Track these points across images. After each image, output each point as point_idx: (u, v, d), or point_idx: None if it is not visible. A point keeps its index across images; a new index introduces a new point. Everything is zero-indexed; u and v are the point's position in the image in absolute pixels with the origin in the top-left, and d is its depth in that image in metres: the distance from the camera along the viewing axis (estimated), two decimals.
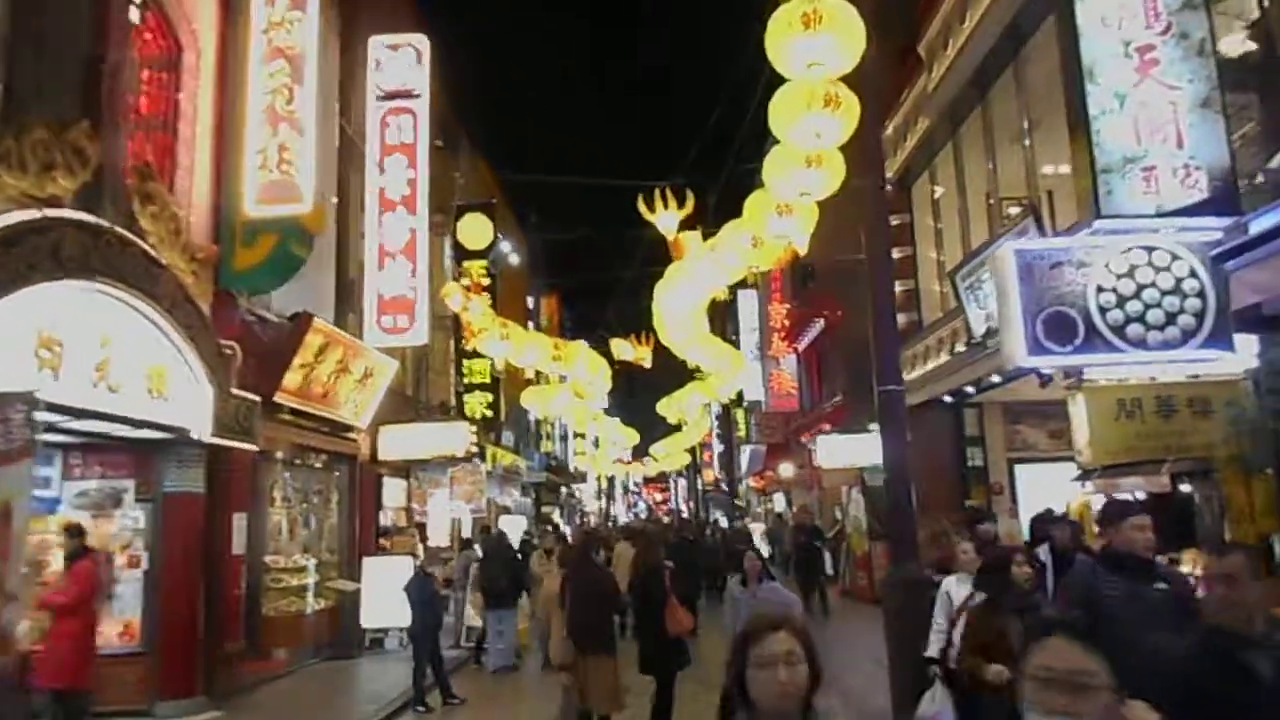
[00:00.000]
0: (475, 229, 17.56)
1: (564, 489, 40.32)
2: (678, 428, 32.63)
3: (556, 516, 34.77)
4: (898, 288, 17.67)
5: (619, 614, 7.33)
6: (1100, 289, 6.55)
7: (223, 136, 8.97)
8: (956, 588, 5.19)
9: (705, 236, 8.36)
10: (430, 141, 15.34)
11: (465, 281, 10.35)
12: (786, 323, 22.67)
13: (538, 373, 18.62)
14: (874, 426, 18.21)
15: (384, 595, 12.55)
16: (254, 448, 8.79)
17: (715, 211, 8.84)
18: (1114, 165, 6.39)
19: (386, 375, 12.88)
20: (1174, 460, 6.84)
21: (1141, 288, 6.45)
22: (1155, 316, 6.37)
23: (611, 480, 53.98)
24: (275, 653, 11.27)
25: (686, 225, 8.12)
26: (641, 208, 7.62)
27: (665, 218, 7.58)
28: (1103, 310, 6.53)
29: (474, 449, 13.52)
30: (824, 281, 20.23)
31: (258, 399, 8.84)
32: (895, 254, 17.71)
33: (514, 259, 22.04)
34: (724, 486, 42.67)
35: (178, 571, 8.40)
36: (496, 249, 19.31)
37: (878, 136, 7.55)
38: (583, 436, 40.82)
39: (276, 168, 8.77)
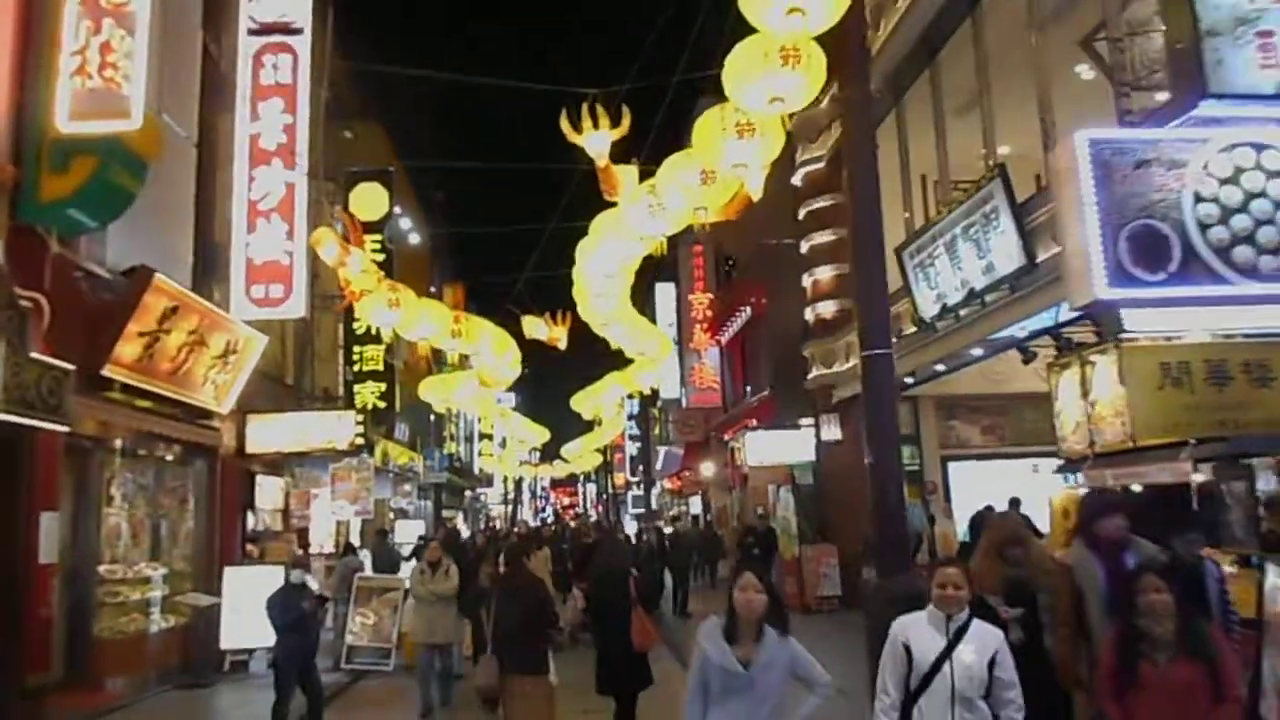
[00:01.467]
0: (369, 199, 15.71)
1: (467, 492, 38.29)
2: (589, 427, 31.15)
3: (460, 521, 32.78)
4: (829, 272, 16.65)
5: (551, 627, 6.26)
6: (1199, 198, 5.19)
7: (27, 30, 7.03)
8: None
9: (641, 178, 6.90)
10: (318, 97, 13.49)
11: (342, 231, 8.64)
12: (709, 313, 21.43)
13: (435, 358, 16.86)
14: (805, 422, 17.12)
15: (249, 610, 10.66)
16: (63, 428, 6.88)
17: (652, 149, 7.35)
18: (1222, 26, 4.95)
19: (254, 352, 10.97)
20: (1197, 444, 5.71)
21: (1250, 197, 5.12)
22: (1268, 236, 5.06)
23: (519, 483, 52.02)
24: (109, 682, 9.30)
25: (619, 159, 6.65)
26: (565, 127, 6.11)
27: (595, 138, 6.07)
28: (1203, 226, 5.16)
29: (360, 441, 11.71)
30: (749, 271, 19.05)
31: (71, 368, 6.94)
32: (827, 236, 16.68)
33: (414, 238, 20.14)
34: (636, 489, 41.31)
35: None
36: (393, 225, 17.45)
37: (861, 37, 6.20)
38: (489, 438, 38.89)
39: (98, 73, 6.89)
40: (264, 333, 12.78)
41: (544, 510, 74.64)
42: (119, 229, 9.14)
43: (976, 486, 15.50)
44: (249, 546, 12.09)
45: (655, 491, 36.89)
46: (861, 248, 5.70)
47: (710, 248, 22.60)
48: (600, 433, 25.25)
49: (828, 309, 16.10)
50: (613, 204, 7.20)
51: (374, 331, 16.46)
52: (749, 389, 19.90)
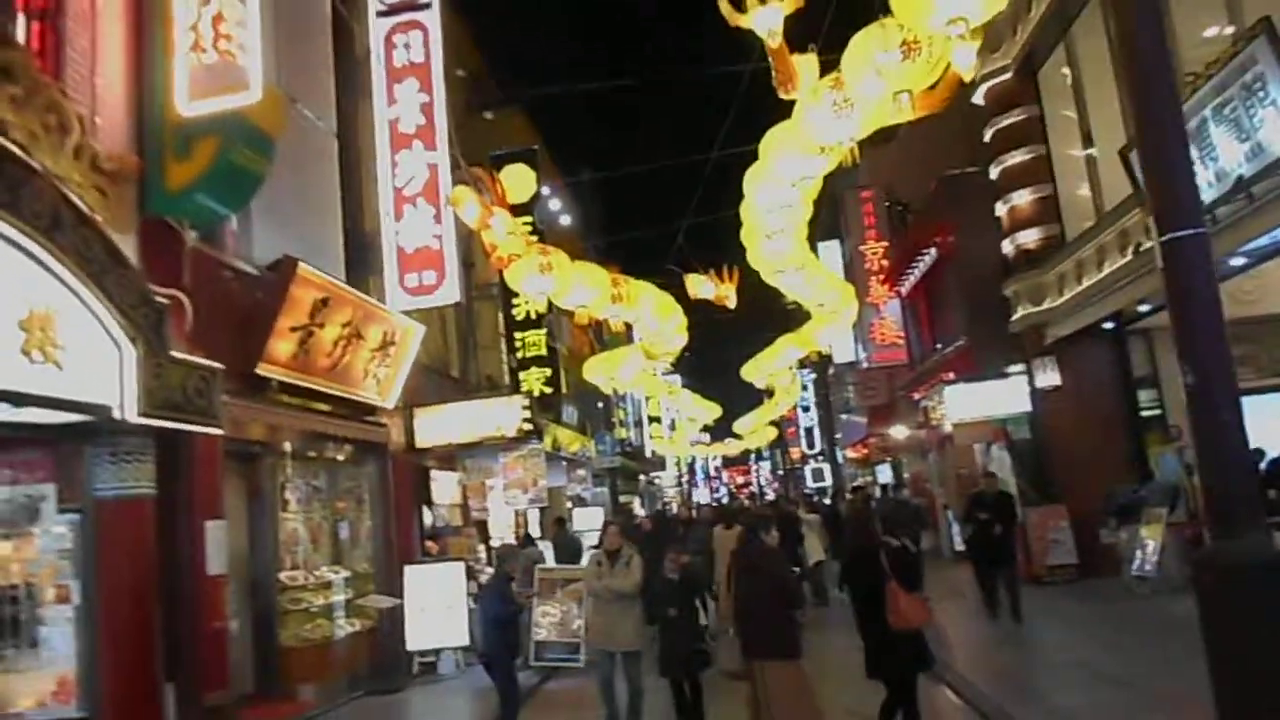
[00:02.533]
0: (516, 180, 15.04)
1: (641, 476, 37.87)
2: (759, 400, 29.86)
3: (637, 506, 32.35)
4: (1028, 195, 14.60)
5: (794, 606, 5.89)
6: None
7: (139, 12, 6.58)
8: None
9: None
10: (453, 75, 12.95)
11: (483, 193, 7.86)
12: (884, 263, 19.62)
13: (598, 337, 16.11)
14: (1013, 369, 15.19)
15: (432, 610, 10.25)
16: (215, 430, 6.41)
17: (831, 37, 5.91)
18: None
19: (413, 343, 10.48)
20: None
21: None
22: None
23: (691, 464, 51.42)
24: (300, 691, 9.01)
25: (793, 50, 5.38)
26: (725, 7, 4.92)
27: (763, 14, 4.80)
28: None
29: (528, 427, 11.04)
30: (930, 209, 17.15)
31: (218, 367, 6.46)
32: (1021, 155, 14.63)
33: (565, 219, 19.53)
34: (815, 461, 39.61)
35: (123, 602, 6.09)
36: (543, 206, 16.84)
37: None
38: (658, 420, 38.33)
39: (212, 46, 6.35)
40: (423, 324, 12.39)
41: (718, 490, 73.87)
42: (265, 225, 8.81)
43: None
44: (428, 544, 11.71)
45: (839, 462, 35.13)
46: (1147, 102, 4.15)
47: (879, 194, 20.77)
48: (774, 403, 23.91)
49: (1030, 238, 14.13)
50: (786, 113, 5.97)
51: (534, 316, 16.02)
52: (939, 341, 18.03)
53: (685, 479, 52.22)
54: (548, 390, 15.21)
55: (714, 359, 42.43)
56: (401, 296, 10.90)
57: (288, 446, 9.40)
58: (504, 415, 11.34)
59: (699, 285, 9.91)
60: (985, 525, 10.13)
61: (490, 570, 13.00)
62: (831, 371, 28.82)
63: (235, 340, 7.68)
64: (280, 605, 9.04)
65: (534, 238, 14.91)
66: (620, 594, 6.94)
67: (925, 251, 16.70)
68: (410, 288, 10.94)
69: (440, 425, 11.46)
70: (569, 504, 21.57)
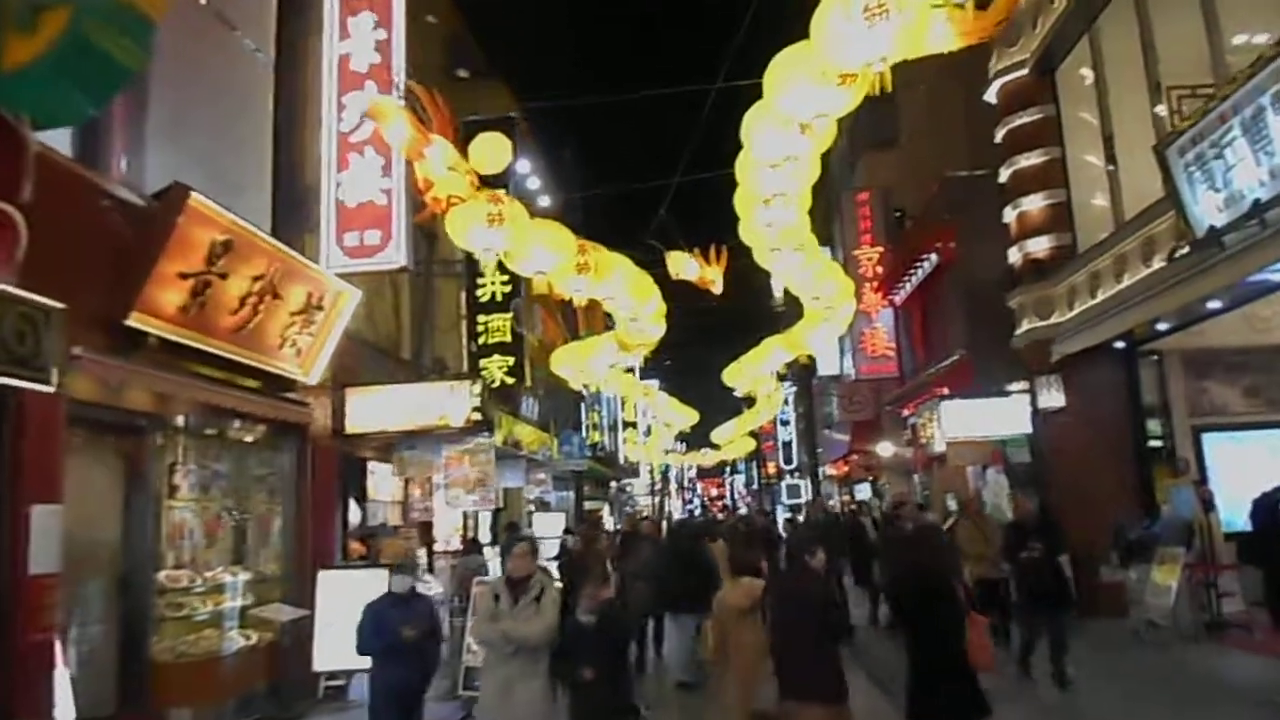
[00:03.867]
0: (489, 150, 13.66)
1: (613, 483, 36.47)
2: (738, 411, 28.58)
3: (606, 514, 30.92)
4: (1040, 201, 13.42)
5: (838, 638, 5.11)
6: None
7: None
8: None
9: None
10: (420, 18, 11.56)
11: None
12: (880, 269, 18.40)
13: (571, 330, 14.71)
14: (1013, 387, 13.96)
15: (346, 624, 8.76)
16: (44, 388, 4.96)
17: None
18: None
19: (346, 308, 9.07)
20: None
21: None
22: None
23: (666, 472, 49.99)
24: (173, 714, 7.55)
25: None
26: None
27: None
28: None
29: (478, 417, 9.65)
30: (932, 211, 15.92)
31: (57, 306, 5.01)
32: (1035, 158, 13.43)
33: (544, 201, 18.12)
34: (791, 477, 38.37)
35: None
36: (520, 186, 15.46)
37: None
38: (634, 426, 36.96)
39: None
40: (374, 301, 10.99)
41: (691, 502, 72.54)
42: (167, 154, 7.39)
43: (1238, 464, 12.11)
44: (353, 545, 10.28)
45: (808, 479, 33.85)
46: None
47: (876, 196, 19.57)
48: (755, 412, 22.60)
49: (1040, 246, 12.92)
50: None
51: (499, 298, 14.61)
52: (934, 354, 16.81)
53: (659, 487, 50.84)
54: (509, 380, 13.80)
55: (693, 365, 41.17)
56: (339, 257, 9.49)
57: (180, 421, 7.97)
58: (450, 402, 9.92)
59: (682, 264, 8.59)
60: (1040, 562, 8.06)
61: (430, 579, 11.61)
62: (815, 382, 27.59)
63: (107, 283, 6.26)
64: (156, 611, 7.59)
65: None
66: (522, 643, 5.17)
67: (924, 258, 15.49)
68: (349, 247, 9.53)
69: (376, 409, 10.04)
70: (530, 508, 20.14)
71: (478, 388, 9.70)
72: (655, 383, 35.31)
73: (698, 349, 29.00)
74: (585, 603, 5.27)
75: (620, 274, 7.95)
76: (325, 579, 8.99)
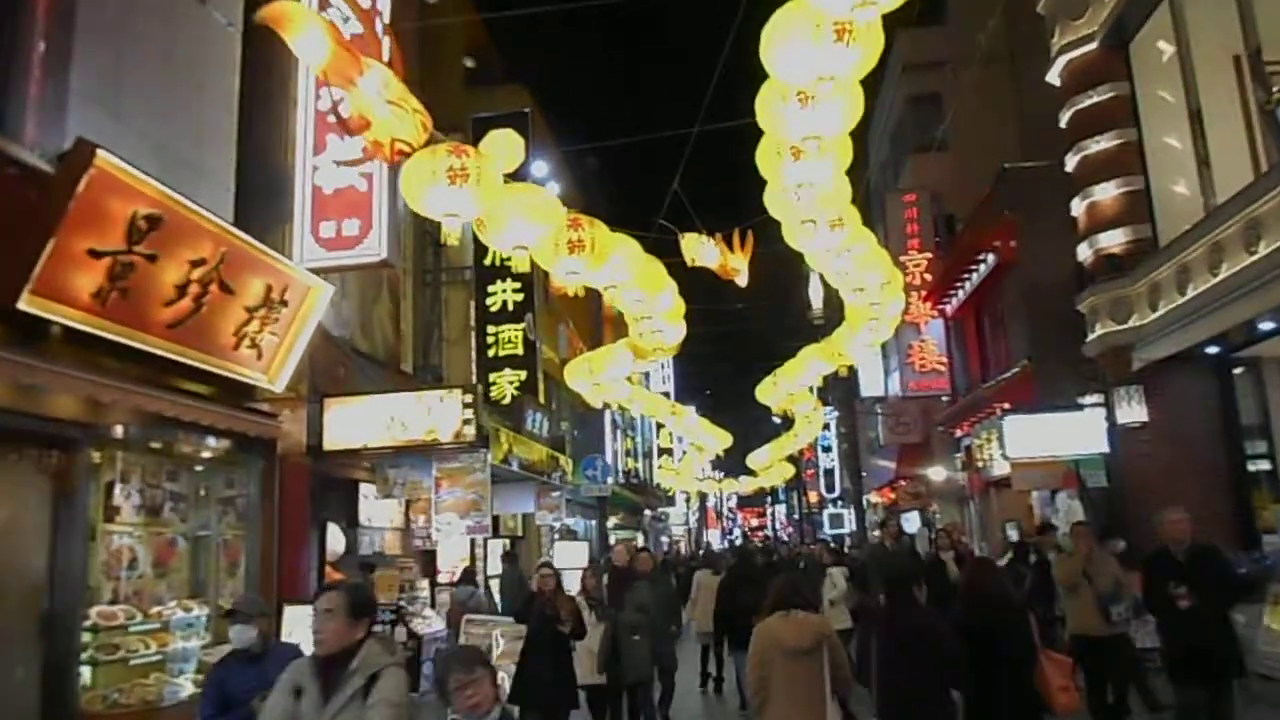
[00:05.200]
0: (501, 148, 12.61)
1: (647, 511, 35.03)
2: (777, 434, 27.08)
3: (640, 543, 29.50)
4: (1113, 189, 11.95)
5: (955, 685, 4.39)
6: None
7: None
8: None
9: None
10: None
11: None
12: (928, 277, 16.93)
13: (591, 330, 13.50)
14: (1087, 400, 12.41)
15: None
16: None
17: None
18: None
19: (317, 305, 7.95)
20: None
21: None
22: None
23: (703, 500, 48.39)
24: None
25: None
26: None
27: None
28: None
29: (471, 432, 8.46)
30: (989, 207, 14.47)
31: None
32: (1109, 141, 11.98)
33: (553, 188, 17.00)
34: (833, 506, 36.64)
35: None
36: (528, 172, 14.34)
37: None
38: (669, 453, 35.57)
39: None
40: (371, 308, 9.89)
41: (731, 532, 70.65)
42: (100, 121, 6.31)
43: None
44: (335, 576, 9.09)
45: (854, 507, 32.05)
46: None
47: (925, 198, 18.17)
48: (793, 435, 21.10)
49: (1114, 240, 11.45)
50: None
51: (511, 308, 13.47)
52: (990, 367, 15.29)
53: (696, 516, 49.22)
54: (518, 396, 12.60)
55: (731, 397, 39.72)
56: (314, 249, 8.42)
57: (119, 432, 6.86)
58: (439, 413, 8.73)
59: (698, 248, 7.33)
60: (1193, 615, 5.64)
61: (431, 614, 10.38)
62: (859, 404, 26.02)
63: (1, 262, 5.19)
64: (87, 653, 6.45)
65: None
66: None
67: (980, 259, 14.06)
68: (325, 239, 8.45)
69: (358, 423, 8.88)
70: (556, 536, 18.88)
71: (470, 398, 8.49)
72: (692, 409, 34.00)
73: (737, 379, 27.61)
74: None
75: (624, 257, 6.70)
76: (293, 615, 7.79)
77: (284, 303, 7.54)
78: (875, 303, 8.49)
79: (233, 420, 7.44)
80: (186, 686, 7.18)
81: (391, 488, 9.07)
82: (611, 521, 28.63)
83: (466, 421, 8.64)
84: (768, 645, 4.67)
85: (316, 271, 8.18)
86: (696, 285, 12.28)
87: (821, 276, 26.35)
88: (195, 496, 7.98)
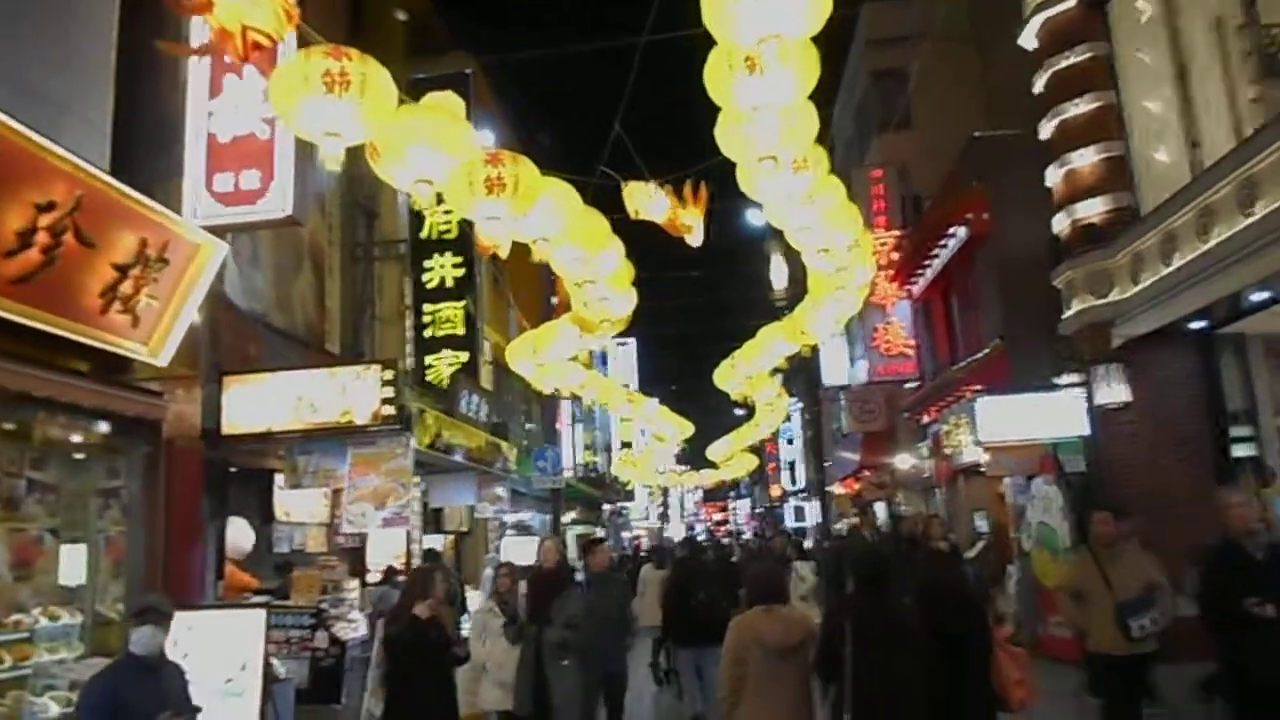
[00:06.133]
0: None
1: (606, 506, 34.13)
2: (737, 425, 26.30)
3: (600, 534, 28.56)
4: (1092, 155, 11.24)
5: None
6: None
7: None
8: None
9: None
10: None
11: None
12: (895, 256, 16.20)
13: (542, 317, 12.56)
14: (1064, 381, 11.72)
15: (204, 683, 6.54)
16: None
17: None
18: None
19: (208, 266, 6.91)
20: None
21: None
22: None
23: (665, 495, 47.55)
24: None
25: None
26: None
27: None
28: None
29: (389, 411, 7.50)
30: (959, 178, 13.74)
31: None
32: (1085, 105, 11.24)
33: (489, 137, 15.98)
34: (795, 499, 36.04)
35: None
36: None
37: None
38: (629, 446, 34.65)
39: None
40: (289, 282, 8.90)
41: (694, 528, 69.97)
42: None
43: None
44: (238, 577, 8.05)
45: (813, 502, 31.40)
46: None
47: (892, 174, 17.46)
48: (755, 424, 20.28)
49: (1093, 210, 10.79)
50: None
51: (450, 284, 12.48)
52: (960, 349, 14.59)
53: (659, 511, 48.37)
54: (456, 378, 11.62)
55: (690, 386, 38.90)
56: (209, 204, 7.39)
57: None
58: (357, 393, 7.75)
59: (645, 198, 6.43)
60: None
61: (358, 616, 9.36)
62: (822, 392, 25.32)
63: None
64: None
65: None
66: None
67: (949, 235, 13.34)
68: (222, 193, 7.42)
69: (263, 404, 7.86)
70: (510, 532, 17.90)
71: (390, 375, 7.51)
72: (653, 400, 33.14)
73: (699, 370, 26.65)
74: None
75: (555, 203, 5.77)
76: (182, 622, 6.76)
77: (164, 261, 6.51)
78: (842, 267, 7.63)
79: (103, 398, 6.40)
80: (52, 707, 6.14)
81: (301, 476, 8.05)
82: (569, 516, 27.69)
83: (386, 400, 7.66)
84: (747, 642, 4.20)
85: (214, 231, 7.16)
86: (649, 254, 11.35)
87: (785, 256, 25.62)
88: (67, 488, 6.94)
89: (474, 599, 11.21)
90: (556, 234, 6.04)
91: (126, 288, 6.30)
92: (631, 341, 36.58)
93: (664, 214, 6.54)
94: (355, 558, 10.90)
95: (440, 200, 5.25)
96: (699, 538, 41.10)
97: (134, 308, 6.43)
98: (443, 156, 4.78)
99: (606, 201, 6.92)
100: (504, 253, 6.46)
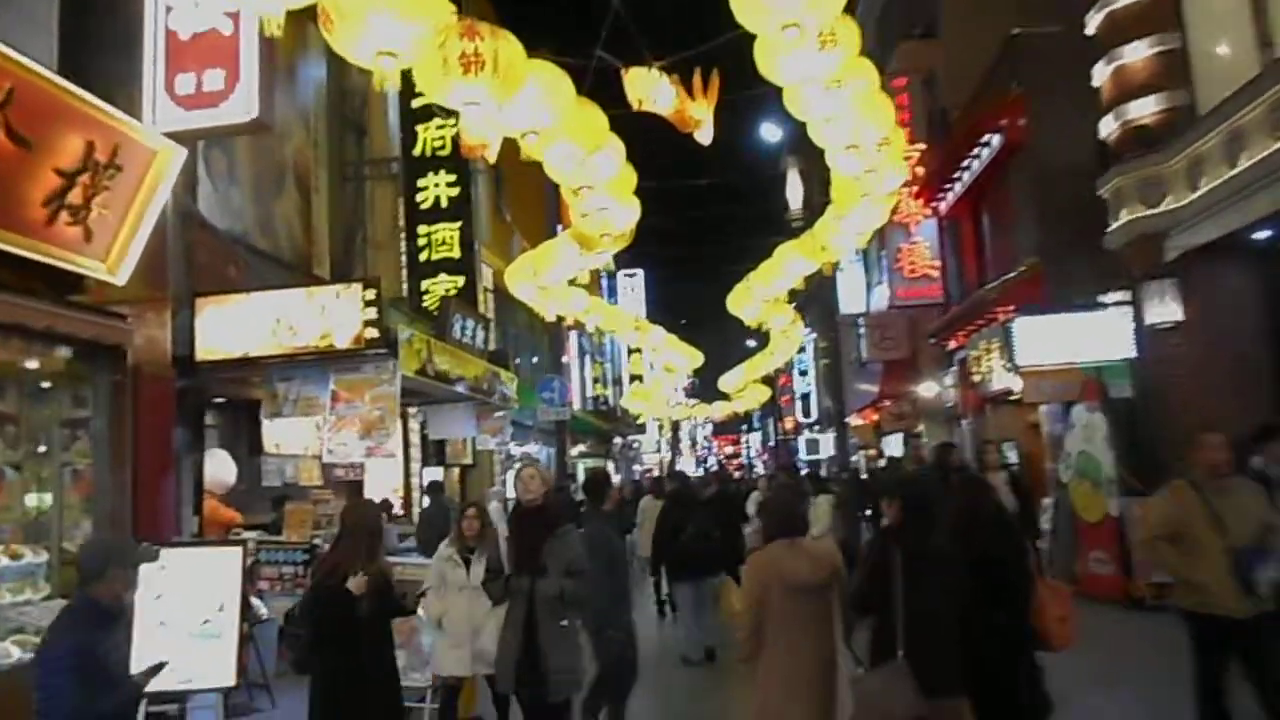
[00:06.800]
0: None
1: (617, 439, 33.75)
2: (750, 354, 25.63)
3: (611, 470, 28.21)
4: (1145, 50, 10.29)
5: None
6: None
7: None
8: None
9: None
10: None
11: None
12: (920, 171, 15.26)
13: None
14: (1109, 298, 10.91)
15: (178, 626, 6.04)
16: None
17: None
18: None
19: (167, 173, 6.20)
20: None
21: None
22: None
23: (676, 428, 47.19)
24: None
25: None
26: None
27: None
28: None
29: (372, 334, 6.86)
30: (994, 81, 12.72)
31: None
32: None
33: None
34: (810, 432, 35.55)
35: None
36: None
37: None
38: (640, 379, 34.10)
39: None
40: (271, 201, 8.24)
41: (706, 460, 69.93)
42: None
43: None
44: (223, 511, 7.54)
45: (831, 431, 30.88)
46: None
47: (916, 84, 16.39)
48: (769, 353, 19.57)
49: (1146, 109, 9.87)
50: None
51: (445, 204, 11.73)
52: (990, 270, 13.77)
53: (669, 443, 48.10)
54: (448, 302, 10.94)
55: (701, 314, 38.12)
56: (170, 109, 6.66)
57: None
58: (337, 314, 7.09)
59: (648, 87, 5.65)
60: None
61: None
62: (839, 320, 24.54)
63: None
64: None
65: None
66: None
67: (982, 143, 12.41)
68: (183, 95, 6.67)
69: (240, 326, 7.22)
70: (517, 465, 17.45)
71: (373, 294, 6.85)
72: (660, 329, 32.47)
73: (714, 298, 25.88)
74: None
75: (543, 90, 5.00)
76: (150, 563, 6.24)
77: (116, 168, 5.80)
78: (871, 169, 6.84)
79: (53, 318, 5.76)
80: (13, 651, 5.66)
81: (281, 405, 7.44)
82: (579, 449, 27.30)
83: (369, 323, 7.01)
84: (768, 579, 3.72)
85: (177, 138, 6.43)
86: (652, 160, 10.51)
87: (800, 173, 24.44)
88: (29, 418, 6.38)
89: None
90: (547, 127, 5.28)
91: (74, 197, 5.61)
92: (639, 272, 35.75)
93: (670, 106, 5.77)
94: (356, 491, 10.42)
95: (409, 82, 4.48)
96: (712, 469, 40.85)
97: (85, 220, 5.75)
98: (409, 24, 4.01)
99: (604, 94, 6.13)
100: (491, 155, 5.75)
